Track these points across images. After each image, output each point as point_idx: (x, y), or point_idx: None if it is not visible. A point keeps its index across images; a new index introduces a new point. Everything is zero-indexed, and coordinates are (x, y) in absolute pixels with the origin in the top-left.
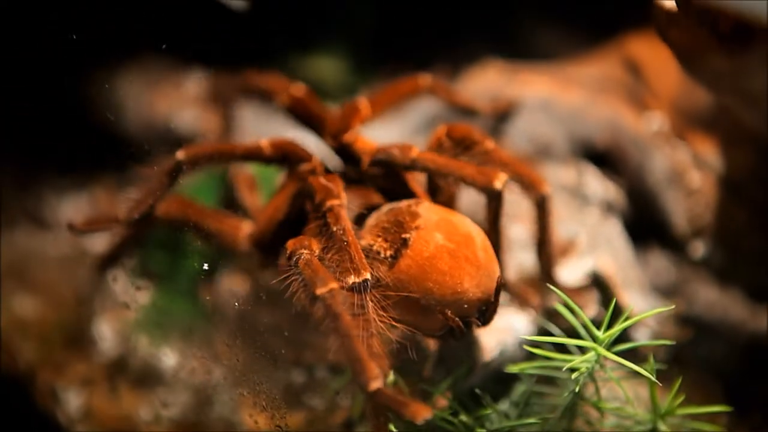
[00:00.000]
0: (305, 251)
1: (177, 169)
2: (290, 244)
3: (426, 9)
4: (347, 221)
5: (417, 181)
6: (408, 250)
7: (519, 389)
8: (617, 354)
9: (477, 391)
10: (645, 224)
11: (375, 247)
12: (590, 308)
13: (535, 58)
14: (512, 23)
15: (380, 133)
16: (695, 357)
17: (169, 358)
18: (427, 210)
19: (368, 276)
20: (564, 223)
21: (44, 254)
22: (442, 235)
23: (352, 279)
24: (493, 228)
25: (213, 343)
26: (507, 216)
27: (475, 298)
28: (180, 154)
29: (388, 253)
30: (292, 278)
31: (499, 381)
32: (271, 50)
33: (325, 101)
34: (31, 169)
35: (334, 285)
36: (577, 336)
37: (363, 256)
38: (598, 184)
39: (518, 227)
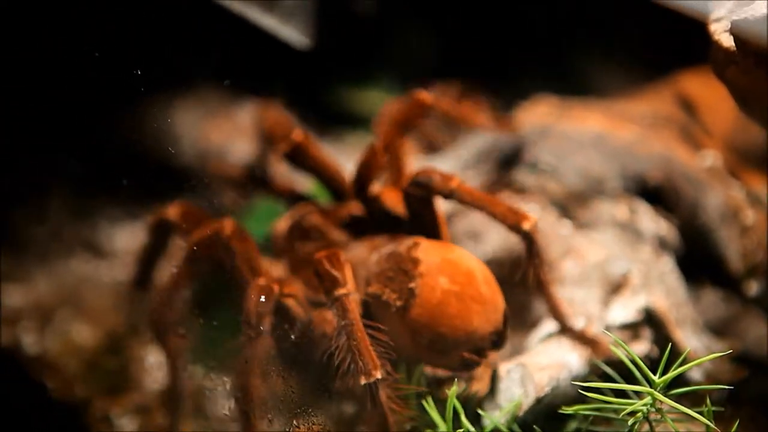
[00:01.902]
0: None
1: (164, 228)
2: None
3: (482, 44)
4: (356, 313)
5: None
6: (416, 299)
7: (571, 426)
8: (673, 397)
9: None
10: (698, 262)
11: (384, 297)
12: (642, 345)
13: (588, 94)
14: (566, 60)
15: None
16: (747, 394)
17: (223, 387)
18: (426, 253)
19: (379, 375)
20: (617, 260)
21: (99, 282)
22: (446, 279)
23: (363, 380)
24: (530, 267)
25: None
26: (559, 252)
27: (486, 333)
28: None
29: (398, 303)
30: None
31: (551, 417)
32: (325, 82)
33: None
34: (87, 198)
35: None
36: (631, 374)
37: (373, 353)
38: (650, 221)
39: (571, 262)
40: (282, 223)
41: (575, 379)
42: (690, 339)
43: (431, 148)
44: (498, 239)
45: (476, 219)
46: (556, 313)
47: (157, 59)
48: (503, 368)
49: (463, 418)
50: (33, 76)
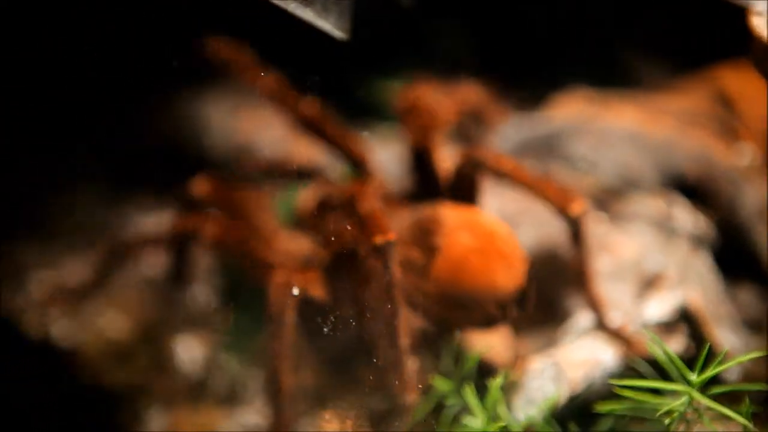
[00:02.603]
0: None
1: None
2: None
3: (518, 36)
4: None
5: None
6: (440, 257)
7: (605, 422)
8: (710, 396)
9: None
10: (735, 258)
11: (409, 257)
12: (678, 342)
13: (625, 86)
14: (603, 52)
15: None
16: None
17: (253, 379)
18: (449, 213)
19: (392, 238)
20: (653, 255)
21: (131, 272)
22: (469, 236)
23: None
24: (574, 254)
25: (299, 367)
26: (595, 246)
27: (509, 290)
28: None
29: (423, 262)
30: None
31: (585, 415)
32: (360, 74)
33: None
34: (116, 187)
35: None
36: (666, 372)
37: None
38: (687, 217)
39: (606, 257)
40: (308, 198)
41: (610, 376)
42: (727, 336)
43: (463, 138)
44: (532, 233)
45: (510, 211)
46: (595, 306)
47: (190, 50)
48: (538, 363)
49: (503, 409)
50: (65, 69)
